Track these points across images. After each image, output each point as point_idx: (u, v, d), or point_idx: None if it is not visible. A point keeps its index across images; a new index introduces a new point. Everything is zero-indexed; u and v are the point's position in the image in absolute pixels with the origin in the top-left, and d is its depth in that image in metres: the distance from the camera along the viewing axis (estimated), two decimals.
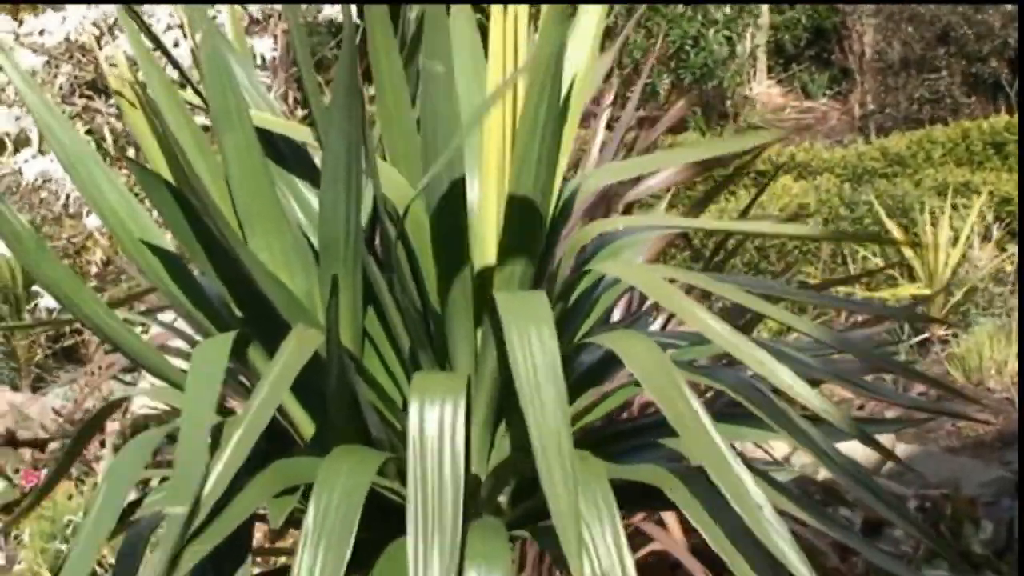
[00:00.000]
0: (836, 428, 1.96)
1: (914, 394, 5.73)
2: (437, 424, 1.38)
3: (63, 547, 4.02)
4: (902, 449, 5.09)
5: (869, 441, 1.45)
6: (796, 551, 1.33)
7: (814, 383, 1.54)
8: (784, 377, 1.40)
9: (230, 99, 1.69)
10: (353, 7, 1.54)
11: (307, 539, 1.37)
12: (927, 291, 7.14)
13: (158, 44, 2.00)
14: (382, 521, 1.55)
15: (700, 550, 2.57)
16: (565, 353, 1.40)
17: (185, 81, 1.91)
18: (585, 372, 1.78)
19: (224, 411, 1.72)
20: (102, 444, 4.75)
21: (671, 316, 2.90)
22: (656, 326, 2.56)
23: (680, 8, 11.90)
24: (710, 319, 1.44)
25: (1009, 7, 11.60)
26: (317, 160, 1.77)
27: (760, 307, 1.53)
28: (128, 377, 4.50)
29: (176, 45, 4.36)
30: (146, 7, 4.38)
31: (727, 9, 12.29)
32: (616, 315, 2.38)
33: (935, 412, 2.25)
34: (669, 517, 2.83)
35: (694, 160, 2.38)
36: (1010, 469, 5.00)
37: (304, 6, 4.74)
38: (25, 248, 1.60)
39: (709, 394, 1.90)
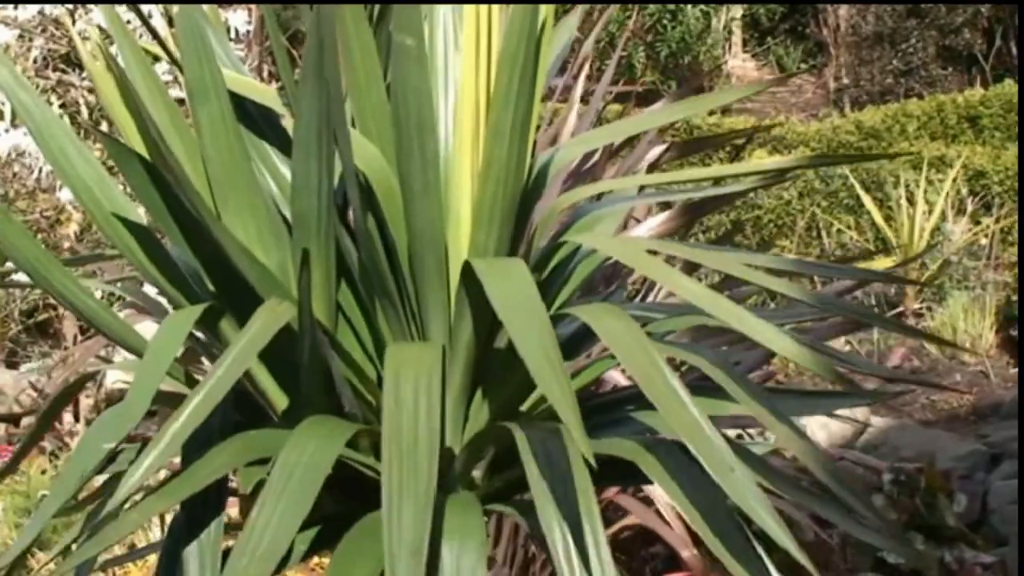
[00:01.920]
0: (809, 405, 1.96)
1: (890, 366, 5.75)
2: (412, 394, 1.36)
3: None
4: (877, 422, 5.11)
5: (845, 385, 1.43)
6: (774, 516, 1.32)
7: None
8: (765, 332, 1.40)
9: (206, 70, 1.67)
10: None
11: (267, 497, 1.35)
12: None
13: (137, 12, 1.98)
14: (355, 496, 1.55)
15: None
16: None
17: (163, 49, 1.89)
18: (561, 345, 1.76)
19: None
20: (76, 419, 4.74)
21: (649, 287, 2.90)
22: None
23: None
24: (688, 282, 1.43)
25: None
26: (290, 130, 1.76)
27: (741, 273, 1.53)
28: (103, 352, 4.48)
29: (150, 16, 4.33)
30: None
31: None
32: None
33: (912, 383, 2.25)
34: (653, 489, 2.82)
35: (671, 120, 2.36)
36: (985, 442, 5.03)
37: None
38: None
39: (684, 367, 1.90)
